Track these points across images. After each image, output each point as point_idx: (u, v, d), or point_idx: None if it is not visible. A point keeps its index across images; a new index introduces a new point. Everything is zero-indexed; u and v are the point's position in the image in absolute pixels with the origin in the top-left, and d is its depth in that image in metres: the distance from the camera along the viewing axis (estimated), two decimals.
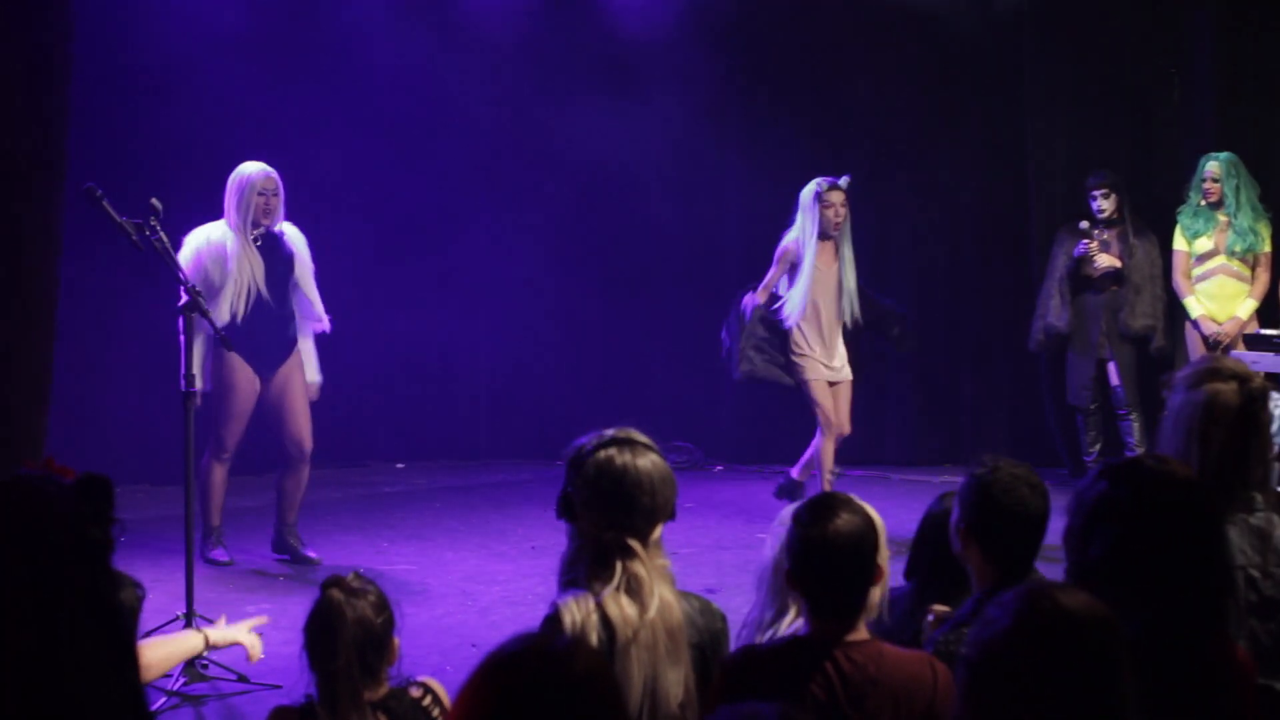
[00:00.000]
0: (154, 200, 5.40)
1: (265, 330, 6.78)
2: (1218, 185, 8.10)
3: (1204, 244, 8.22)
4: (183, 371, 5.58)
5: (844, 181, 7.52)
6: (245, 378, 6.79)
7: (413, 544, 7.52)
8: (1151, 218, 8.71)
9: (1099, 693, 2.00)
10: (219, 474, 6.94)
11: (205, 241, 6.68)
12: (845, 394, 7.75)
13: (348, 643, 2.89)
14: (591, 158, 9.82)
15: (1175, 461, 2.59)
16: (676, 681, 2.88)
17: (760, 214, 9.97)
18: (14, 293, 6.23)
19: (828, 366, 7.68)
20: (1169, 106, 9.35)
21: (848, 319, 7.67)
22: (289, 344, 6.91)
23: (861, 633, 2.88)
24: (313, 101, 9.21)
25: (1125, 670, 2.03)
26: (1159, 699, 2.27)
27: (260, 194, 6.72)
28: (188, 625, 5.30)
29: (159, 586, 6.30)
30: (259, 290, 6.70)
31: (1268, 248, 8.13)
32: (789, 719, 1.88)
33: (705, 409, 10.06)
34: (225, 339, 6.09)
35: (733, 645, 3.16)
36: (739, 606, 5.30)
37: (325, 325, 7.01)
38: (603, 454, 2.94)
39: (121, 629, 2.17)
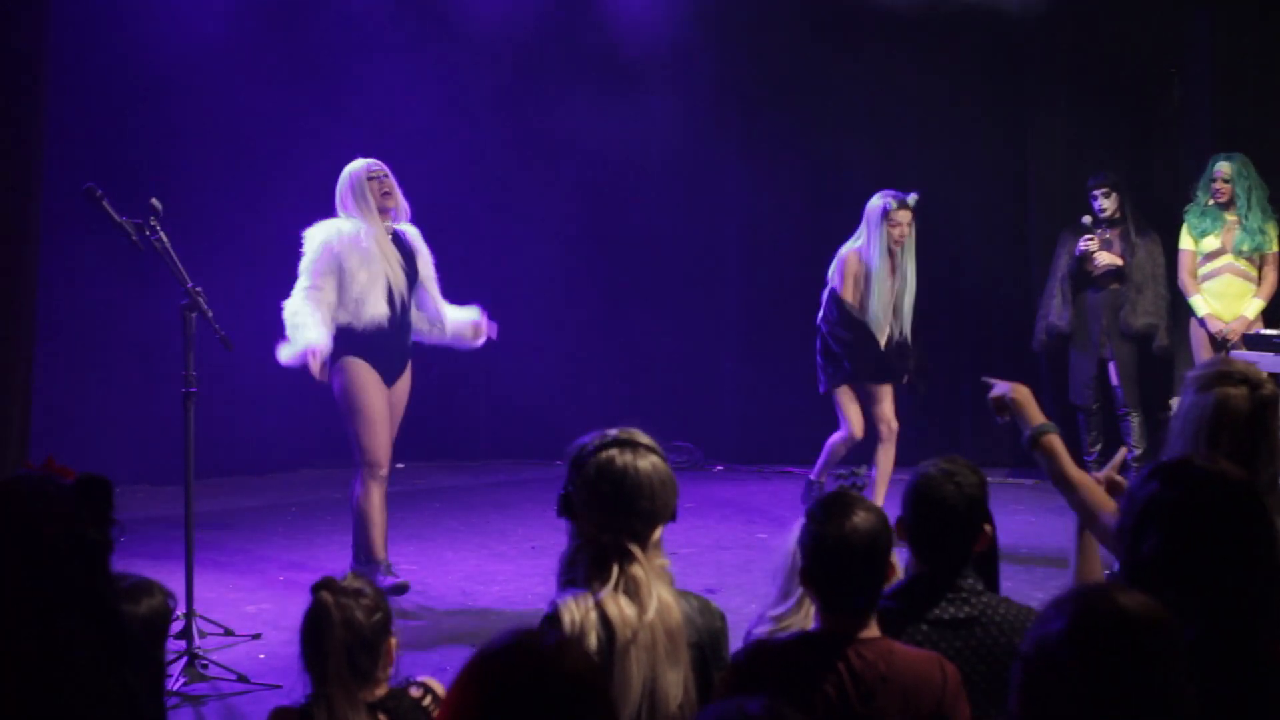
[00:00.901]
0: (154, 200, 5.39)
1: (390, 336, 6.27)
2: (1229, 185, 8.11)
3: (1211, 243, 8.22)
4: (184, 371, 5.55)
5: (912, 199, 7.42)
6: (374, 379, 6.23)
7: (413, 544, 7.51)
8: (1151, 217, 8.72)
9: (1157, 694, 1.98)
10: (376, 498, 6.23)
11: (336, 234, 6.16)
12: (887, 394, 7.60)
13: (336, 645, 2.88)
14: (592, 159, 9.82)
15: (1226, 462, 2.57)
16: (676, 683, 2.88)
17: (760, 214, 9.99)
18: None
19: None
20: (1169, 106, 9.35)
21: (898, 333, 7.54)
22: (408, 354, 6.42)
23: (873, 630, 2.89)
24: (312, 101, 9.21)
25: (1183, 672, 2.01)
26: (1210, 701, 2.26)
27: (371, 178, 6.26)
28: (187, 625, 5.30)
29: None
30: (396, 288, 6.23)
31: (1275, 247, 8.14)
32: (775, 714, 1.87)
33: (705, 409, 10.07)
34: (225, 339, 5.53)
35: (748, 637, 3.18)
36: (739, 606, 5.31)
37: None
38: (604, 455, 2.93)
39: (119, 630, 2.17)
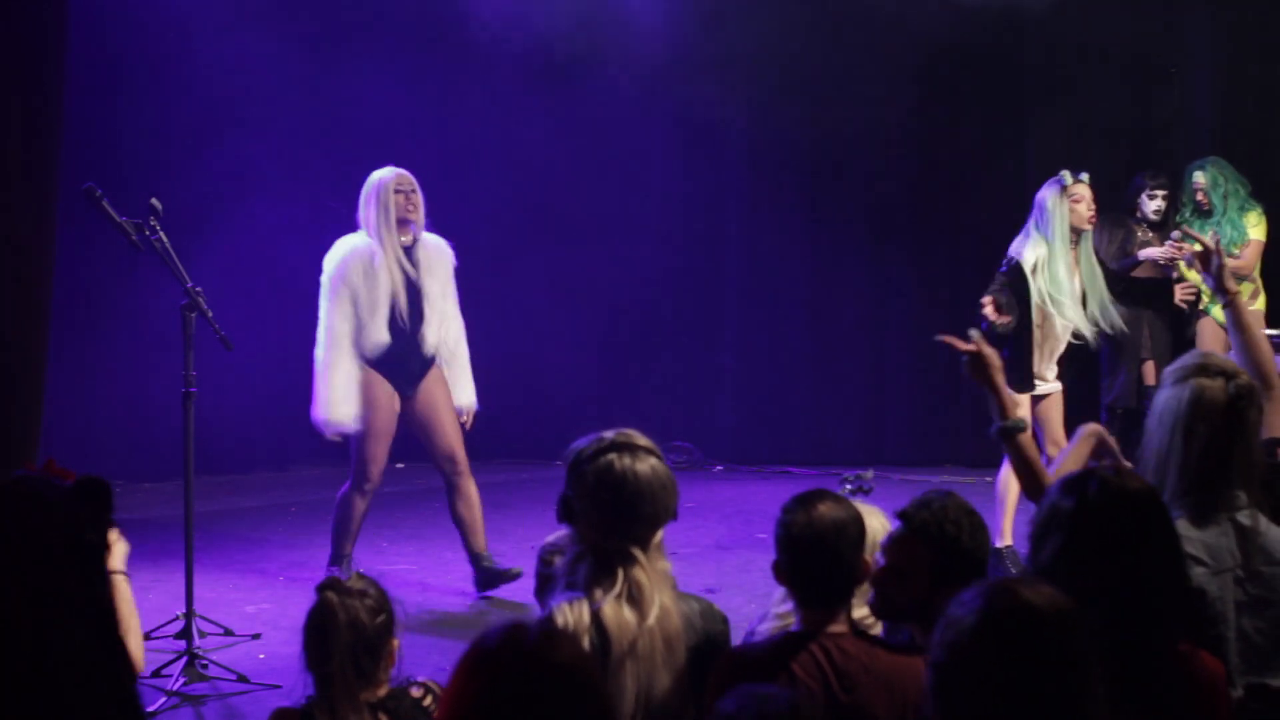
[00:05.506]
0: (154, 200, 5.38)
1: (403, 346, 6.25)
2: (1207, 197, 8.13)
3: None
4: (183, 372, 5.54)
5: (1086, 176, 6.68)
6: (386, 393, 6.23)
7: (413, 544, 7.51)
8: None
9: (1067, 686, 2.00)
10: (359, 505, 6.29)
11: (351, 251, 6.20)
12: (1057, 405, 6.70)
13: (341, 645, 2.88)
14: (590, 162, 9.82)
15: (1130, 474, 2.61)
16: (674, 691, 2.87)
17: (760, 214, 9.99)
18: (7, 292, 6.22)
19: (1043, 380, 6.69)
20: (1169, 106, 9.35)
21: (1102, 328, 6.68)
22: (428, 360, 6.38)
23: (846, 625, 2.90)
24: (317, 97, 9.21)
25: (1093, 664, 2.02)
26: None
27: (398, 191, 6.22)
28: (187, 625, 5.31)
29: (159, 586, 6.30)
30: (401, 305, 6.20)
31: (1254, 235, 8.12)
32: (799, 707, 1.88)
33: (705, 409, 10.06)
34: (225, 339, 5.54)
35: (750, 636, 3.18)
36: (739, 606, 5.31)
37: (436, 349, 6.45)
38: (602, 460, 2.91)
39: (114, 630, 2.17)
